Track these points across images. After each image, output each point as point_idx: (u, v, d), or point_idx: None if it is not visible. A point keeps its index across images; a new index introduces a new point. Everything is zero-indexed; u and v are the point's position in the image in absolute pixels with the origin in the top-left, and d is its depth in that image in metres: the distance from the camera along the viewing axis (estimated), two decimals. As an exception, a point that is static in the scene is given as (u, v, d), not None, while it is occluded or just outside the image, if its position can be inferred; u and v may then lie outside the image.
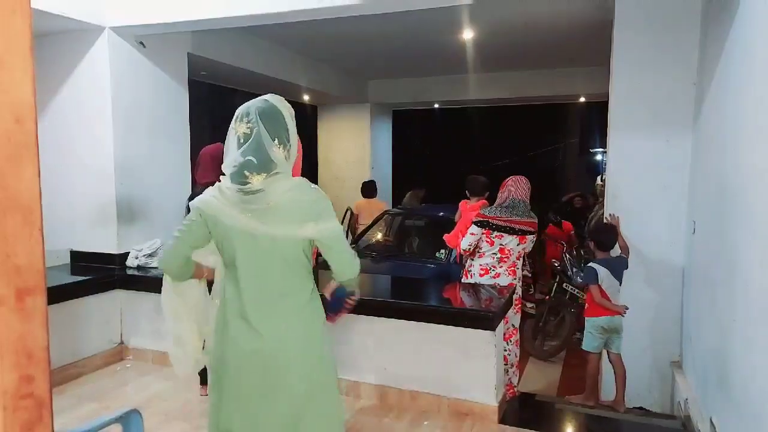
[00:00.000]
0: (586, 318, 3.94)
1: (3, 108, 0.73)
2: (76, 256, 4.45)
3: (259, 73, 6.61)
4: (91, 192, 4.34)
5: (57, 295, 3.75)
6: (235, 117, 1.88)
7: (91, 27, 4.14)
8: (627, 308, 3.80)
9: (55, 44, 4.27)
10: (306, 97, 9.00)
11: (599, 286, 3.77)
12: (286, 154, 1.84)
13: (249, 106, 1.86)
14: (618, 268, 3.82)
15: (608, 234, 3.89)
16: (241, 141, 1.81)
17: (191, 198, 3.26)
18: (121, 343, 4.29)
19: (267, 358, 1.86)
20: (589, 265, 3.91)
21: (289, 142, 1.85)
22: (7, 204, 0.73)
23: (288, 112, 1.90)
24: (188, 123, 5.01)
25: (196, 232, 1.88)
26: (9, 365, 0.73)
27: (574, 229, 7.71)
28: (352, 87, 9.09)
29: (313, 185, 1.92)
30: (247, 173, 1.78)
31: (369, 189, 7.96)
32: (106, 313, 4.20)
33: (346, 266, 1.94)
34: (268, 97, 1.91)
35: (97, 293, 4.11)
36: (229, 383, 1.90)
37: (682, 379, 3.72)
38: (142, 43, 4.46)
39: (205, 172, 3.30)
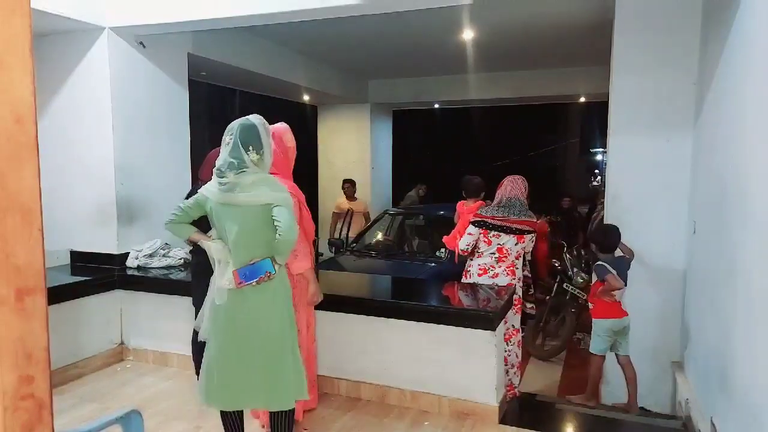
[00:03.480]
0: (593, 320, 3.89)
1: (3, 108, 0.73)
2: (76, 256, 4.44)
3: (259, 73, 6.60)
4: (91, 192, 4.34)
5: (57, 295, 3.75)
6: (225, 131, 2.54)
7: (91, 27, 4.14)
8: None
9: (55, 44, 4.27)
10: (306, 97, 8.99)
11: (612, 276, 3.70)
12: (258, 158, 2.47)
13: (234, 122, 2.53)
14: (622, 268, 3.80)
15: (608, 235, 3.86)
16: (227, 147, 2.50)
17: (189, 196, 3.29)
18: (122, 343, 4.29)
19: (248, 313, 2.51)
20: (597, 264, 3.85)
21: (262, 149, 2.49)
22: (7, 204, 0.73)
23: (263, 128, 2.53)
24: (188, 123, 5.01)
25: (194, 206, 2.60)
26: (9, 366, 0.73)
27: (571, 229, 7.79)
28: (352, 87, 9.08)
29: (275, 179, 2.56)
30: (223, 170, 2.46)
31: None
32: (106, 313, 4.20)
33: (289, 229, 2.40)
34: (250, 116, 2.56)
35: (97, 293, 4.11)
36: (219, 334, 2.54)
37: (682, 380, 3.72)
38: (142, 43, 4.46)
39: (211, 171, 3.32)
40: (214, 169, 2.51)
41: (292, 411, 2.62)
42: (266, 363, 2.52)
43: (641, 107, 3.96)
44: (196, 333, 3.45)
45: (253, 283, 2.45)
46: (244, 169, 2.44)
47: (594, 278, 3.92)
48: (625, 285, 3.81)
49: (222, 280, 2.52)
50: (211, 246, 2.57)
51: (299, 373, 2.61)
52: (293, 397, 2.58)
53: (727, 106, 2.89)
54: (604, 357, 3.91)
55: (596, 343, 3.86)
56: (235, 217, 2.46)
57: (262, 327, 2.52)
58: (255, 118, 2.55)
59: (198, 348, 3.43)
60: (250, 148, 2.45)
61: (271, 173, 2.66)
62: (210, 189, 2.54)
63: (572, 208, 8.68)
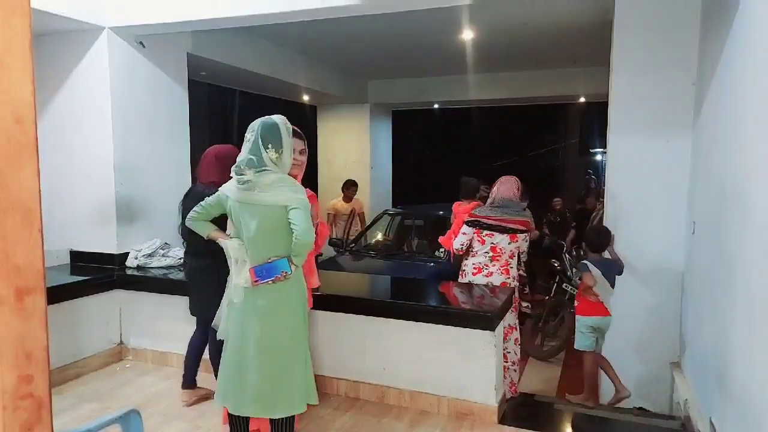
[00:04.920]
0: (576, 316, 3.95)
1: (3, 108, 0.73)
2: (75, 256, 4.45)
3: (259, 73, 6.60)
4: (91, 192, 4.34)
5: (56, 295, 3.75)
6: (247, 129, 2.56)
7: (91, 27, 4.14)
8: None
9: (55, 44, 4.27)
10: (306, 97, 8.99)
11: (588, 275, 3.78)
12: (277, 157, 2.48)
13: (256, 121, 2.54)
14: (611, 270, 3.83)
15: (601, 236, 3.92)
16: (247, 144, 2.51)
17: (187, 196, 3.28)
18: (121, 343, 4.29)
19: (261, 310, 2.51)
20: (582, 262, 3.96)
21: (282, 148, 2.49)
22: (6, 204, 0.73)
23: (284, 127, 2.53)
24: (188, 123, 5.01)
25: (214, 204, 2.65)
26: (8, 365, 0.73)
27: (563, 230, 7.83)
28: (352, 87, 9.09)
29: (294, 181, 2.55)
30: (242, 167, 2.47)
31: None
32: (106, 313, 4.20)
33: (305, 232, 2.42)
34: (273, 116, 2.58)
35: (96, 293, 4.11)
36: (235, 330, 2.57)
37: (681, 380, 3.72)
38: (141, 43, 4.46)
39: (207, 171, 3.28)
40: (233, 167, 2.52)
41: (293, 417, 2.60)
42: (276, 363, 2.51)
43: (641, 107, 3.96)
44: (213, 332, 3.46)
45: (269, 282, 2.46)
46: (264, 168, 2.45)
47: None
48: (612, 288, 3.84)
49: (239, 278, 2.54)
50: (229, 244, 2.60)
51: (309, 378, 2.59)
52: (302, 401, 2.55)
53: (727, 106, 2.89)
54: (593, 352, 3.92)
55: (581, 340, 3.91)
56: (254, 217, 2.47)
57: (274, 327, 2.52)
58: (277, 118, 2.56)
59: (214, 348, 3.44)
60: (270, 146, 2.46)
61: None
62: (230, 187, 2.57)
63: (563, 210, 8.66)
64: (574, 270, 5.96)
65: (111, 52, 4.23)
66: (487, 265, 3.96)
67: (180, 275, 4.18)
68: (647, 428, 3.74)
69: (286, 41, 6.72)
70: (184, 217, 3.18)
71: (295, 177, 2.79)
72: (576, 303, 4.03)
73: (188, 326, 3.57)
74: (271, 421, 2.59)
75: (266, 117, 2.56)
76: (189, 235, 3.10)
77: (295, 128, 2.74)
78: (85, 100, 4.30)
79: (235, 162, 2.93)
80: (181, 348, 3.66)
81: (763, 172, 2.17)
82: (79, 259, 4.43)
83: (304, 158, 2.83)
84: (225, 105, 9.36)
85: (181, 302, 3.84)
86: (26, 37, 0.76)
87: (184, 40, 4.99)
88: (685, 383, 3.64)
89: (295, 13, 3.83)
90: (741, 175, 2.51)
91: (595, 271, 3.80)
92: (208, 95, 8.18)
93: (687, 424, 3.37)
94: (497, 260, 3.95)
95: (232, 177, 2.57)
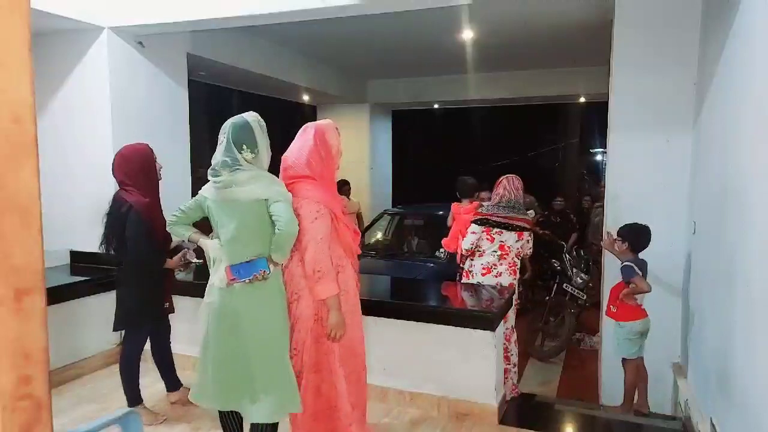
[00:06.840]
0: (620, 324, 3.72)
1: (1, 108, 0.73)
2: (75, 256, 4.44)
3: (259, 73, 6.61)
4: (91, 192, 4.33)
5: (56, 295, 3.76)
6: (220, 129, 2.51)
7: (90, 27, 4.14)
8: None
9: (54, 44, 4.27)
10: (305, 97, 8.99)
11: (639, 278, 3.57)
12: (253, 157, 2.45)
13: (228, 121, 2.50)
14: (645, 270, 3.67)
15: (644, 235, 3.68)
16: (220, 146, 2.46)
17: (114, 204, 3.29)
18: (121, 343, 4.28)
19: (237, 311, 2.44)
20: (624, 264, 3.67)
21: (256, 147, 2.46)
22: (5, 204, 0.73)
23: (257, 125, 2.49)
24: (188, 123, 5.01)
25: (194, 207, 2.61)
26: (7, 366, 0.73)
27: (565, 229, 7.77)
28: (352, 87, 9.09)
29: (271, 176, 2.50)
30: (217, 168, 2.44)
31: None
32: (106, 313, 4.17)
33: (289, 222, 2.37)
34: (245, 114, 2.51)
35: (96, 293, 4.10)
36: (212, 331, 2.50)
37: (683, 381, 3.72)
38: (141, 43, 4.46)
39: (116, 170, 3.31)
40: (209, 169, 2.48)
41: (276, 424, 2.50)
42: (252, 366, 2.42)
43: (641, 107, 3.96)
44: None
45: (246, 281, 2.39)
46: (238, 167, 2.41)
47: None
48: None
49: (214, 277, 2.50)
50: (208, 244, 2.57)
51: (291, 384, 2.47)
52: (281, 409, 2.46)
53: (727, 106, 2.89)
54: (638, 359, 3.76)
55: (629, 347, 3.70)
56: (231, 214, 2.43)
57: (254, 330, 2.44)
58: (249, 116, 2.50)
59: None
60: (244, 147, 2.42)
61: (305, 178, 2.53)
62: (207, 188, 2.54)
63: (563, 209, 8.57)
64: (574, 270, 5.96)
65: (111, 52, 4.23)
66: (495, 265, 3.94)
67: (180, 275, 4.17)
68: (648, 428, 3.74)
69: (286, 41, 6.72)
70: (106, 227, 3.29)
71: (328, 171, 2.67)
72: (613, 309, 3.78)
73: (188, 326, 3.57)
74: (252, 429, 2.51)
75: (237, 116, 2.49)
76: (107, 245, 3.27)
77: (332, 123, 2.65)
78: (84, 100, 4.29)
79: (141, 159, 3.23)
80: (181, 348, 3.67)
81: (763, 171, 2.16)
82: (79, 259, 4.42)
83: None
84: (225, 105, 9.36)
85: (181, 302, 3.83)
86: (25, 37, 0.76)
87: (184, 40, 4.99)
88: (686, 384, 3.64)
89: (295, 13, 3.83)
90: (742, 175, 2.51)
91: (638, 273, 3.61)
92: (208, 95, 8.18)
93: (687, 424, 3.37)
94: (505, 259, 3.94)
95: (158, 178, 2.65)
